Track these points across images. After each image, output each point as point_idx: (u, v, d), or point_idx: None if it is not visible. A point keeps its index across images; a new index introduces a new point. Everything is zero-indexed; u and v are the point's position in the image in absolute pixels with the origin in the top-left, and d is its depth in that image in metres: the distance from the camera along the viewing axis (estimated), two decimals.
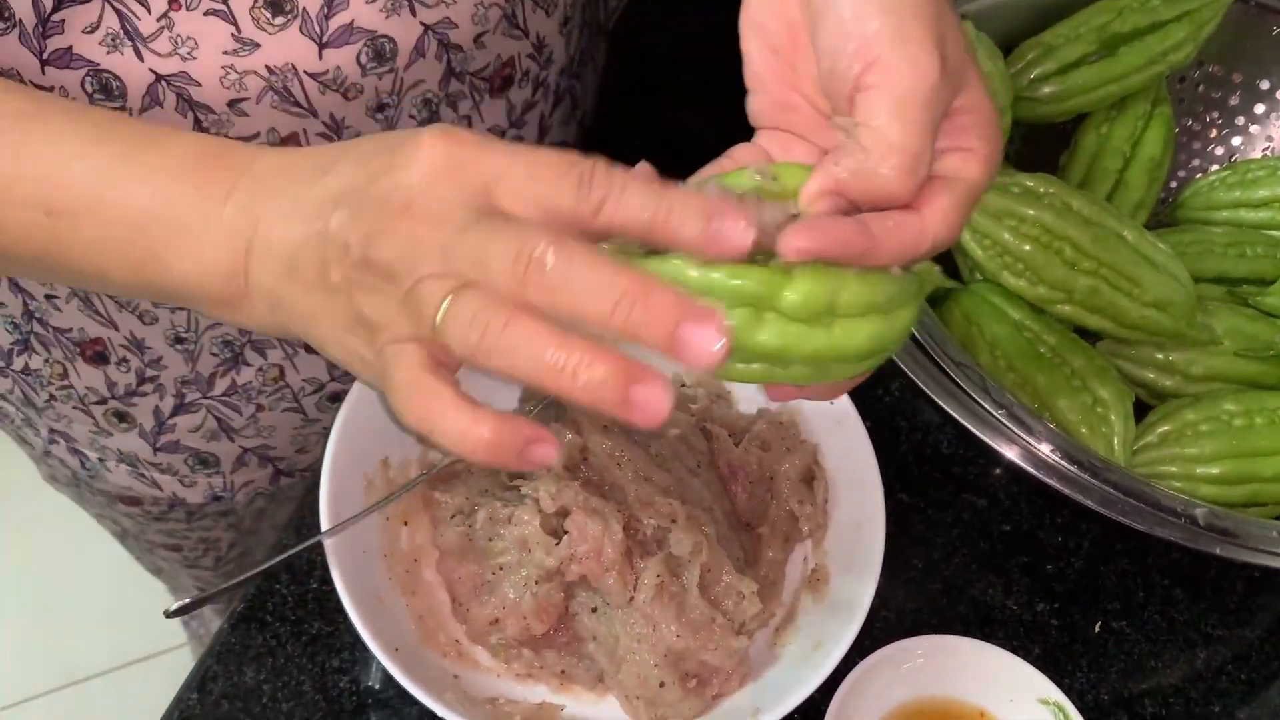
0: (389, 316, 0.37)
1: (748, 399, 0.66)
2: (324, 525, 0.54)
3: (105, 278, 0.43)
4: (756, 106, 0.45)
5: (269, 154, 0.42)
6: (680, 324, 0.34)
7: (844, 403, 0.62)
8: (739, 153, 0.44)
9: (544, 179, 0.36)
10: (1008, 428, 0.56)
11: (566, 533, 0.56)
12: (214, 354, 0.65)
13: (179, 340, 0.64)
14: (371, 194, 0.37)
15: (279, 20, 0.51)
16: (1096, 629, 0.65)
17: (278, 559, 0.52)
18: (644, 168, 0.38)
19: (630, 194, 0.36)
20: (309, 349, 0.68)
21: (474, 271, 0.35)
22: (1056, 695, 0.59)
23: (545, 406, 0.62)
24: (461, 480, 0.61)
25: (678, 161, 0.79)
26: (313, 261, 0.39)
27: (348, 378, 0.67)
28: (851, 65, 0.38)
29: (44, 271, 0.44)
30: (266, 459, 0.75)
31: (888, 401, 0.71)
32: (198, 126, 0.54)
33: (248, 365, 0.66)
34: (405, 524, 0.60)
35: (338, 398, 0.69)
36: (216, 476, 0.75)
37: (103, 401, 0.68)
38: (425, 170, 0.37)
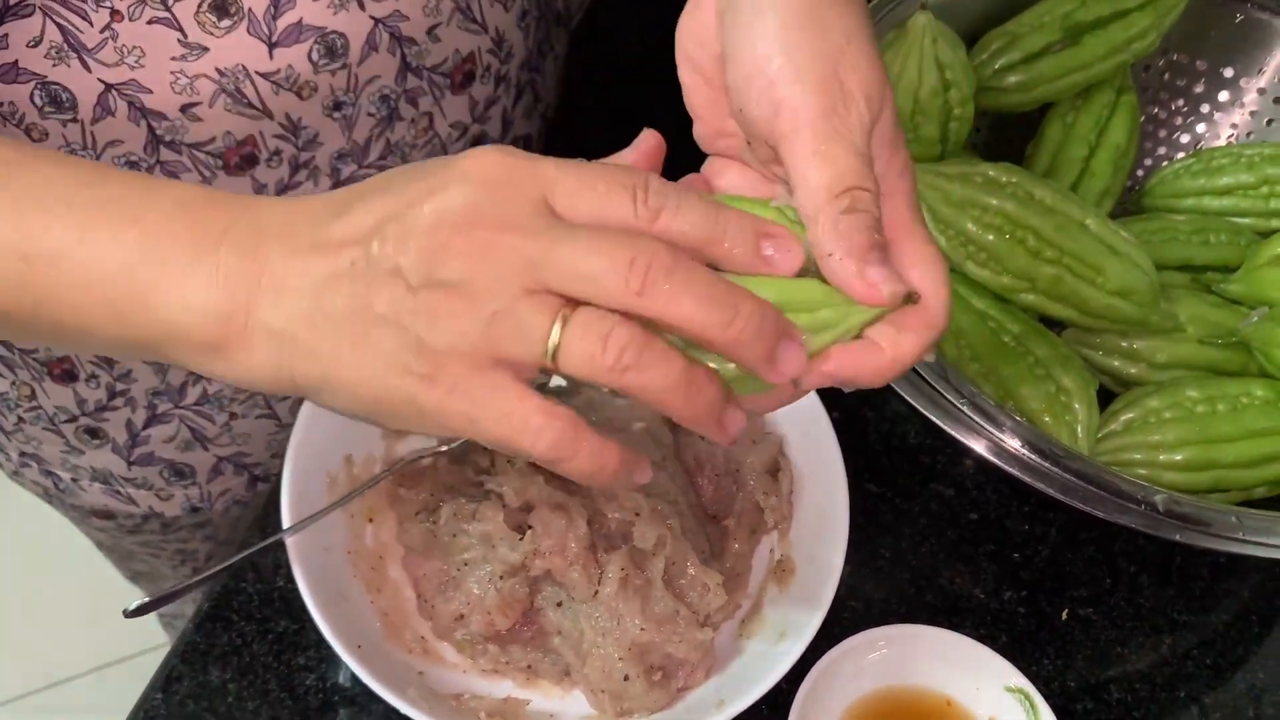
0: (466, 341, 0.35)
1: None
2: (285, 523, 0.54)
3: (87, 329, 0.40)
4: (698, 133, 0.45)
5: (270, 201, 0.40)
6: (778, 345, 0.35)
7: (810, 395, 0.62)
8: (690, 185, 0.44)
9: (598, 189, 0.36)
10: (971, 419, 0.56)
11: (531, 528, 0.56)
12: (178, 367, 0.65)
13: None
14: (422, 214, 0.35)
15: (225, 23, 0.51)
16: (1063, 616, 0.65)
17: (238, 557, 0.52)
18: (650, 139, 0.39)
19: (688, 206, 0.36)
20: None
21: (577, 283, 0.34)
22: (1022, 683, 0.59)
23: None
24: (426, 477, 0.61)
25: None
26: (348, 294, 0.36)
27: None
28: (760, 109, 0.39)
29: (20, 327, 0.41)
30: (242, 466, 0.74)
31: (855, 392, 0.71)
32: (151, 134, 0.53)
33: None
34: (370, 521, 0.60)
35: None
36: (193, 487, 0.74)
37: (73, 419, 0.67)
38: (479, 182, 0.35)
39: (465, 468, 0.61)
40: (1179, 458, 0.62)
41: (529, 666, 0.57)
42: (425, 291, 0.35)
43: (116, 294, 0.39)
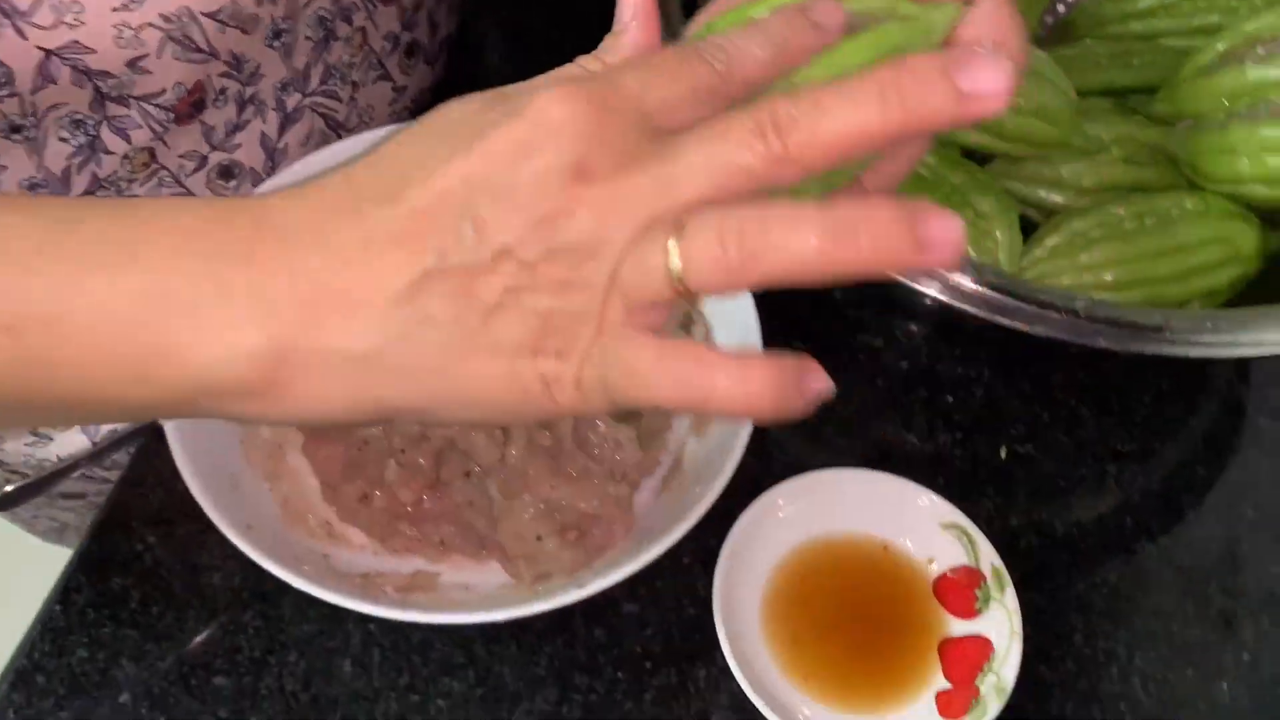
0: (594, 304, 0.31)
1: None
2: None
3: (99, 398, 0.33)
4: None
5: (280, 198, 0.33)
6: (954, 73, 0.29)
7: None
8: None
9: (674, 75, 0.32)
10: None
11: None
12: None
13: None
14: (522, 180, 0.30)
15: None
16: (1002, 455, 0.63)
17: (111, 440, 0.49)
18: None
19: (739, 38, 0.32)
20: None
21: (714, 179, 0.30)
22: (957, 518, 0.56)
23: None
24: None
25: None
26: (444, 293, 0.31)
27: None
28: None
29: (10, 412, 0.35)
30: None
31: None
32: (97, 94, 0.49)
33: None
34: None
35: None
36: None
37: None
38: (574, 133, 0.30)
39: None
40: (1109, 277, 0.60)
41: (442, 542, 0.55)
42: (545, 264, 0.31)
43: (132, 351, 0.32)
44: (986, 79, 0.29)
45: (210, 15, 0.50)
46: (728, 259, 0.30)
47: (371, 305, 0.31)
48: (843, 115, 0.30)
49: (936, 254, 0.29)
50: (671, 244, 0.30)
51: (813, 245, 0.29)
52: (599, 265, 0.31)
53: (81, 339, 0.32)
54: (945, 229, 0.29)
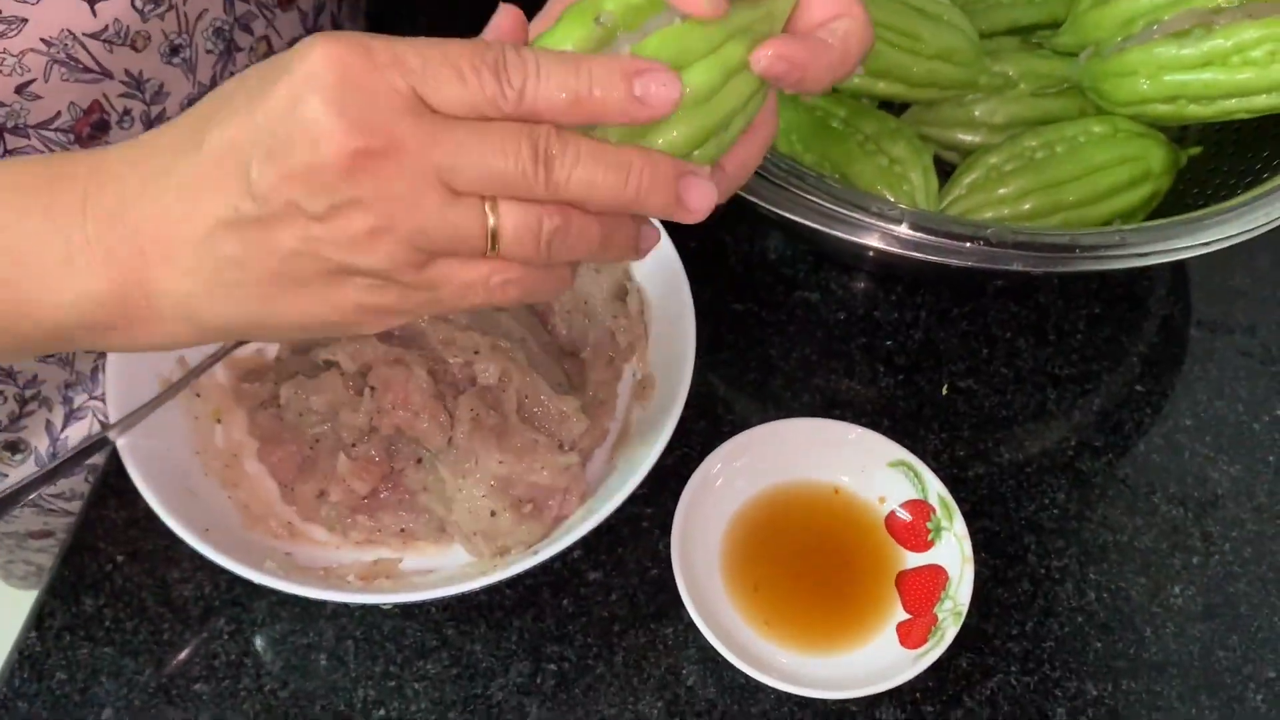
0: (400, 256, 0.34)
1: None
2: (112, 418, 0.52)
3: None
4: None
5: (115, 149, 0.36)
6: (679, 184, 0.35)
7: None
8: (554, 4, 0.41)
9: (462, 74, 0.33)
10: (792, 191, 0.55)
11: (372, 388, 0.54)
12: (88, 351, 0.62)
13: (48, 355, 0.61)
14: (292, 138, 0.32)
15: None
16: (943, 391, 0.64)
17: (60, 460, 0.50)
18: (508, 18, 0.38)
19: (547, 68, 0.34)
20: None
21: (485, 185, 0.34)
22: (903, 455, 0.58)
23: None
24: (270, 369, 0.59)
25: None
26: (245, 240, 0.34)
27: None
28: None
29: None
30: None
31: (709, 221, 0.70)
32: None
33: None
34: (219, 422, 0.58)
35: None
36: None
37: None
38: (336, 86, 0.32)
39: (308, 353, 0.59)
40: (1026, 207, 0.61)
41: (403, 530, 0.56)
42: (334, 220, 0.33)
43: None
44: (699, 198, 0.36)
45: (93, 36, 0.50)
46: (538, 252, 0.35)
47: (183, 249, 0.35)
48: (593, 175, 0.34)
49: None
50: (490, 218, 0.34)
51: (595, 246, 0.36)
52: (395, 227, 0.33)
53: None
54: (650, 238, 0.38)
